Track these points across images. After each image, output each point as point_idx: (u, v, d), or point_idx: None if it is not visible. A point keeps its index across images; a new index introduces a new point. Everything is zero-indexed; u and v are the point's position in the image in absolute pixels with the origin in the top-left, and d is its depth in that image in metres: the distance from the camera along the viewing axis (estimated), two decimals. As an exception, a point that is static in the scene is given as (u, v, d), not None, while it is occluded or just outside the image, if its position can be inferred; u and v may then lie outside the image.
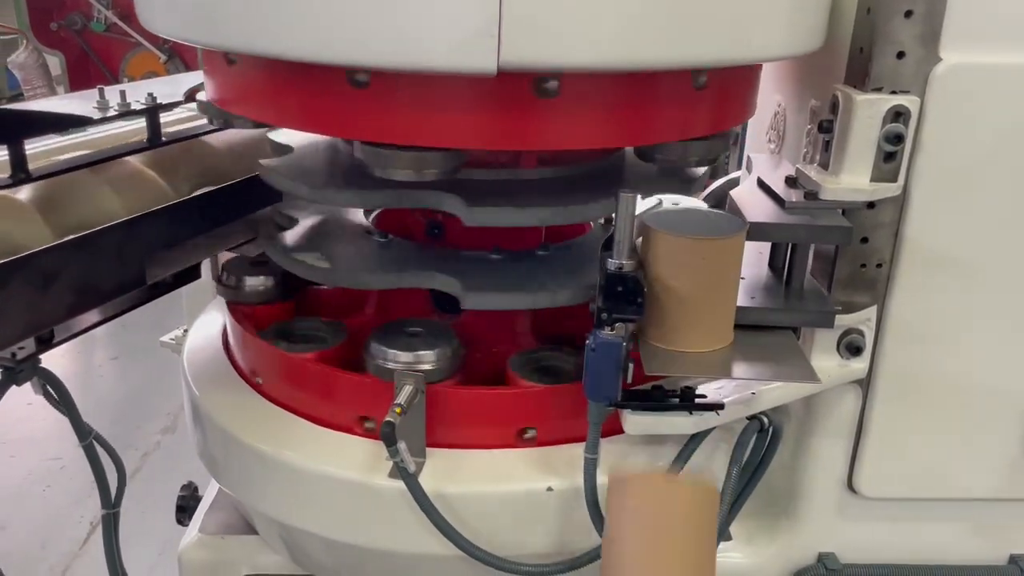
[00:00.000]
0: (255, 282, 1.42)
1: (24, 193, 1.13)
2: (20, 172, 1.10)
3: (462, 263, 1.28)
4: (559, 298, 1.22)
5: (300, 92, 1.09)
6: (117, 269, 1.15)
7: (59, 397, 1.32)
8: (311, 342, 1.33)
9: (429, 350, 1.21)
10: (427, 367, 1.20)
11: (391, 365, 1.20)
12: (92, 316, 1.27)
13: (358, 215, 1.50)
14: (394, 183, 1.15)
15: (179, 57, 5.43)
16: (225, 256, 1.54)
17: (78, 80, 5.65)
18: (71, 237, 1.08)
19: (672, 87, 1.11)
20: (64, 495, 3.56)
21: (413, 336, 1.25)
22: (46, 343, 1.20)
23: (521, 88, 1.03)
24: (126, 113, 1.27)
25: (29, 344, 1.18)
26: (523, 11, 0.92)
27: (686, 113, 1.14)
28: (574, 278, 1.25)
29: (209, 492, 1.57)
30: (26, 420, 3.81)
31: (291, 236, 1.39)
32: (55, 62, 5.63)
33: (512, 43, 0.93)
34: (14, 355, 1.17)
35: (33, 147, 1.18)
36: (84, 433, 1.39)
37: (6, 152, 1.10)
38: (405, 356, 1.20)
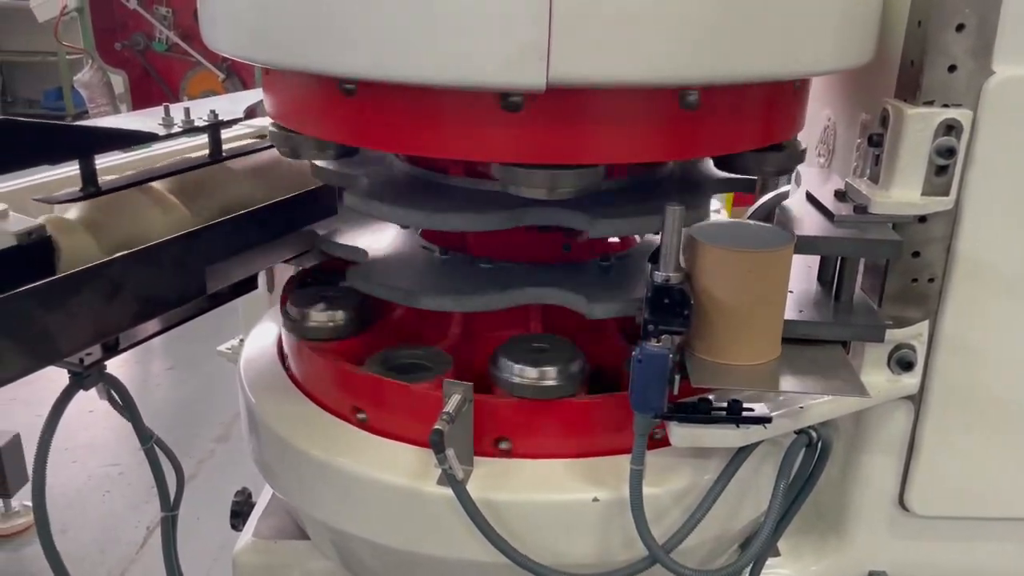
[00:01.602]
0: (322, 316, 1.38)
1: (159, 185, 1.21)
2: (91, 186, 1.16)
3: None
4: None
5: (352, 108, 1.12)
6: (179, 279, 1.20)
7: (122, 402, 1.37)
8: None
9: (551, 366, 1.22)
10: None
11: (516, 380, 1.21)
12: (154, 324, 1.32)
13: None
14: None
15: (237, 76, 5.56)
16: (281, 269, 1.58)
17: (140, 98, 5.82)
18: (136, 249, 1.13)
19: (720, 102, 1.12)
20: (122, 500, 3.66)
21: (539, 352, 1.25)
22: (111, 350, 1.26)
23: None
24: (190, 130, 1.32)
25: (95, 351, 1.23)
26: (572, 29, 0.94)
27: (731, 127, 1.15)
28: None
29: (263, 498, 1.61)
30: (87, 428, 3.92)
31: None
32: (119, 81, 5.81)
33: (561, 60, 0.95)
34: (82, 360, 1.22)
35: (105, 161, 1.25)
36: (146, 437, 1.44)
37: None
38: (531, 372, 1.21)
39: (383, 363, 1.32)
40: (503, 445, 1.23)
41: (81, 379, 1.26)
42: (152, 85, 5.94)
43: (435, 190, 1.31)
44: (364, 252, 1.38)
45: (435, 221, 1.25)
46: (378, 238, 1.47)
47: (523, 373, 1.22)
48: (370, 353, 1.34)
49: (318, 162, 1.33)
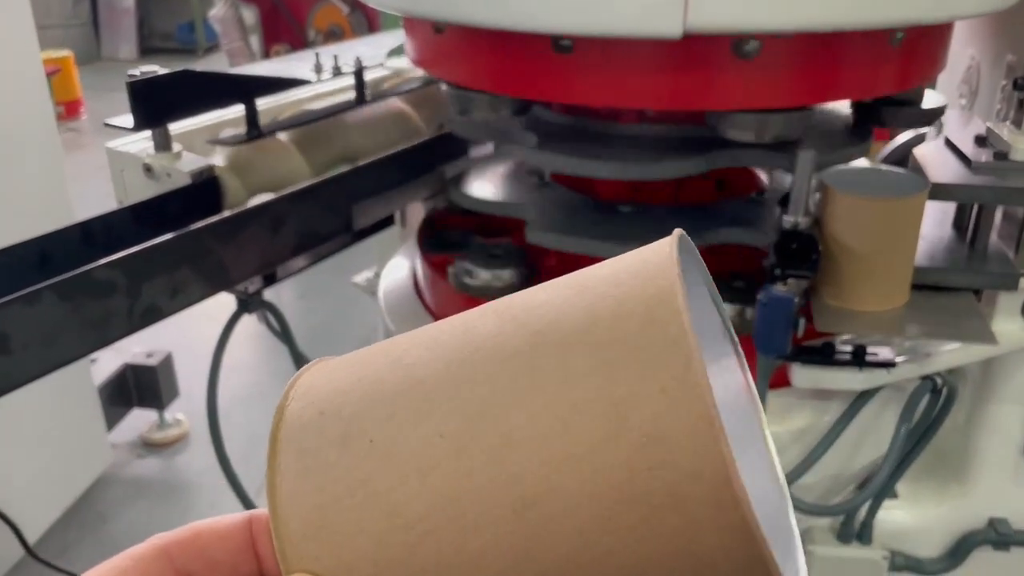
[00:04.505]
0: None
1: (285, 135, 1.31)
2: (254, 128, 1.26)
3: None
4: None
5: (495, 57, 1.17)
6: (331, 217, 1.30)
7: (280, 327, 1.50)
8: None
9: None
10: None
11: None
12: (304, 259, 1.44)
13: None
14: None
15: (360, 10, 5.68)
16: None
17: (270, 31, 6.02)
18: (294, 189, 1.23)
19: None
20: (262, 417, 3.94)
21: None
22: (270, 280, 1.38)
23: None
24: (338, 75, 1.41)
25: (256, 280, 1.36)
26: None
27: (877, 71, 1.14)
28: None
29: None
30: (227, 351, 4.23)
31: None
32: (249, 15, 6.02)
33: (698, 8, 0.97)
34: (246, 289, 1.35)
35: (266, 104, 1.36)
36: (300, 360, 1.57)
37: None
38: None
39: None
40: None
41: (246, 305, 1.40)
42: (280, 19, 6.12)
43: (603, 140, 1.31)
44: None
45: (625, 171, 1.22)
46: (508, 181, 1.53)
47: None
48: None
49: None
